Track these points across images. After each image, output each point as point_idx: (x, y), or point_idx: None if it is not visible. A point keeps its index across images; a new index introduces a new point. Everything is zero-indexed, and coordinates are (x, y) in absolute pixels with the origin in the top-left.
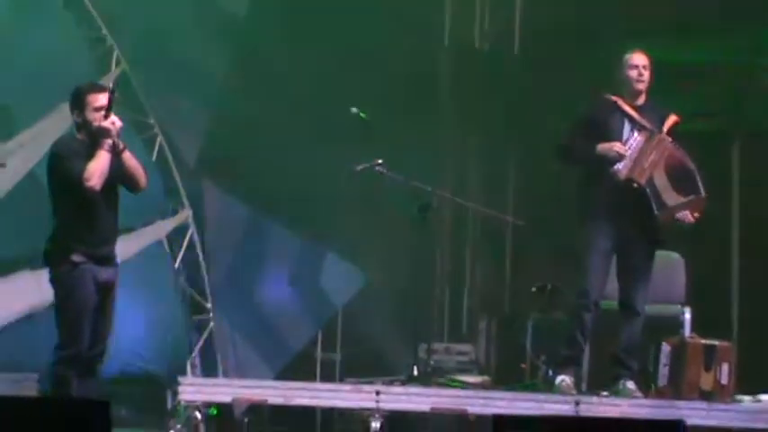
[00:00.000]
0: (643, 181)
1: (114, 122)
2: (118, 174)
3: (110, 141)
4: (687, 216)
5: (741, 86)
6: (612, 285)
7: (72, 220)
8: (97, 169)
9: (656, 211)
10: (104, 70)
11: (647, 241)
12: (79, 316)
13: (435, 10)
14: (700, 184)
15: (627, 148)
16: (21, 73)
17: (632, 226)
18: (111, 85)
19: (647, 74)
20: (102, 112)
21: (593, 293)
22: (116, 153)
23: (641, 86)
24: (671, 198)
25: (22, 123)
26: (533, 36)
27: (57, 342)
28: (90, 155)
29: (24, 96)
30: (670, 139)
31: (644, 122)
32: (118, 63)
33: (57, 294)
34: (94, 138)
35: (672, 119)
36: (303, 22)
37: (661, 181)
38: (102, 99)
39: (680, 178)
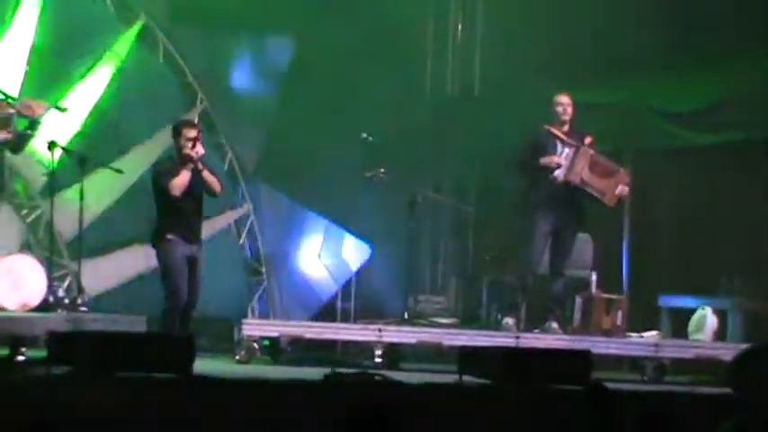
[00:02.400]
0: (578, 181)
1: (198, 151)
2: (201, 185)
3: (191, 165)
4: (624, 190)
5: (632, 119)
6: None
7: (166, 214)
8: (178, 183)
9: (601, 198)
10: (191, 106)
11: (575, 227)
12: (176, 276)
13: (420, 65)
14: (617, 167)
15: (560, 158)
16: (131, 106)
17: (565, 215)
18: (199, 124)
19: (569, 110)
20: (191, 143)
21: (535, 262)
22: (197, 172)
23: (566, 118)
24: (601, 185)
25: (129, 140)
26: (488, 83)
27: (164, 297)
28: (178, 169)
29: (132, 121)
30: (591, 150)
31: (571, 142)
32: (201, 100)
33: (160, 264)
34: (182, 160)
35: (589, 138)
36: (332, 72)
37: (590, 178)
38: (192, 132)
39: (603, 172)
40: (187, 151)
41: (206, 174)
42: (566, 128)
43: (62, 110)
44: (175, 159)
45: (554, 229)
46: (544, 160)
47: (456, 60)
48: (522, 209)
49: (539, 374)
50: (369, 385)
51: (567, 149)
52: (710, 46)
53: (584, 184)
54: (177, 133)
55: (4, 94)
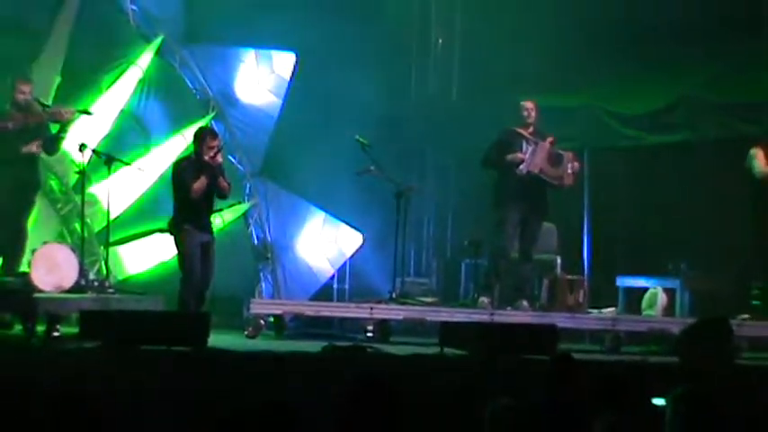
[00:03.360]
0: (537, 170)
1: (217, 160)
2: (214, 186)
3: (210, 171)
4: (575, 167)
5: (590, 121)
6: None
7: (183, 207)
8: (199, 188)
9: (556, 183)
10: (204, 112)
11: (541, 217)
12: (192, 260)
13: (405, 73)
14: (564, 153)
15: (524, 155)
16: (152, 112)
17: (532, 206)
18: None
19: (533, 113)
20: (212, 152)
21: (506, 248)
22: (213, 177)
23: (530, 121)
24: (556, 173)
25: (150, 142)
26: (465, 88)
27: (181, 278)
28: (196, 170)
29: (153, 126)
30: (548, 146)
31: (534, 140)
32: (213, 108)
33: (178, 250)
34: (201, 164)
35: (550, 138)
36: (329, 81)
37: (547, 168)
38: (214, 142)
39: (556, 162)
40: (208, 159)
41: (221, 180)
42: (530, 129)
43: (89, 114)
44: (193, 161)
45: (522, 218)
46: (509, 157)
47: (436, 69)
48: (495, 201)
49: (511, 346)
50: (361, 356)
51: (529, 147)
52: (658, 56)
53: (542, 173)
54: (200, 139)
55: (40, 102)
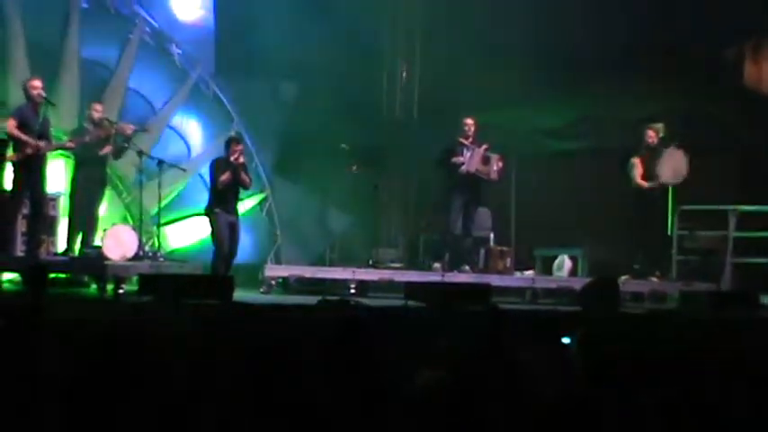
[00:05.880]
0: (473, 170)
1: (239, 160)
2: (239, 180)
3: (233, 168)
4: (499, 166)
5: (516, 133)
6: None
7: (215, 195)
8: (222, 180)
9: (487, 177)
10: (229, 126)
11: (478, 202)
12: (222, 236)
13: (378, 98)
14: (492, 155)
15: (465, 159)
16: (192, 126)
17: (471, 195)
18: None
19: (473, 128)
20: (236, 154)
21: (452, 228)
22: (237, 173)
23: (470, 133)
24: (486, 170)
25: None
26: (424, 109)
27: (213, 250)
28: (224, 167)
29: (192, 136)
30: (482, 151)
31: (473, 147)
32: (236, 123)
33: (212, 228)
34: (228, 163)
35: (485, 145)
36: (322, 103)
37: (481, 168)
38: (237, 147)
39: (487, 162)
40: (233, 159)
41: (242, 175)
42: (470, 139)
43: (145, 131)
44: (223, 160)
45: (464, 204)
46: (453, 159)
47: (402, 94)
48: (444, 191)
49: (456, 299)
50: (347, 307)
51: (469, 153)
52: (569, 80)
53: (478, 172)
54: (228, 145)
55: (109, 120)
